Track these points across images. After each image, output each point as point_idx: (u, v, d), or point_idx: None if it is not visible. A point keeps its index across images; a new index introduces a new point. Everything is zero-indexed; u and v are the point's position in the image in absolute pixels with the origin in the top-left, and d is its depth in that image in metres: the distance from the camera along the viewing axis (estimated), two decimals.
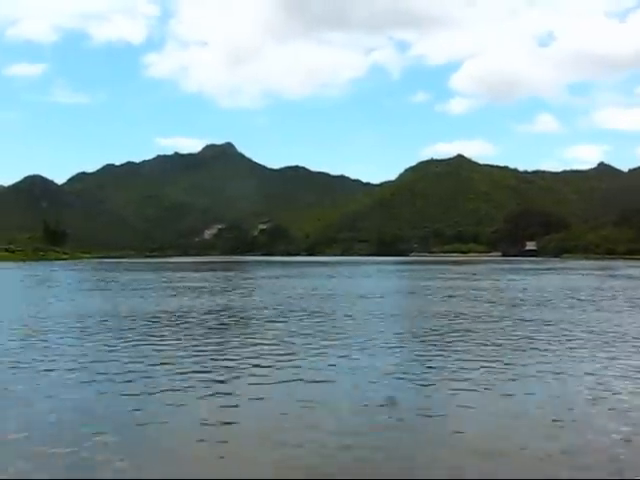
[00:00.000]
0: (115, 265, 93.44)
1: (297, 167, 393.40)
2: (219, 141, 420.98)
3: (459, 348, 14.48)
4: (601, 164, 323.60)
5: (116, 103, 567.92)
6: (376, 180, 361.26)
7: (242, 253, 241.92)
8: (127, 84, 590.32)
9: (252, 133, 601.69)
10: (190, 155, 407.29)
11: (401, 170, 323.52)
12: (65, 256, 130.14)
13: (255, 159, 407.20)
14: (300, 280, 47.27)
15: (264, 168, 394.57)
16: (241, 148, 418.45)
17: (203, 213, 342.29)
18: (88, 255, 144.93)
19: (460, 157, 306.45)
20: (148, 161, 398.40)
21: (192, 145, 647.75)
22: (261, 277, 54.28)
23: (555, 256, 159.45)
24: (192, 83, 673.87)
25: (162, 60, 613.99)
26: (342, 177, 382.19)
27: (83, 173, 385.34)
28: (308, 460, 7.16)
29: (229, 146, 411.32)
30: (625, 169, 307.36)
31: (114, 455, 7.18)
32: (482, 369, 11.94)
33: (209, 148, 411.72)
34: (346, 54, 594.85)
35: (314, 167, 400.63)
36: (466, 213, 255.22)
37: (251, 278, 53.17)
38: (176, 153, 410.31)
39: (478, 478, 6.68)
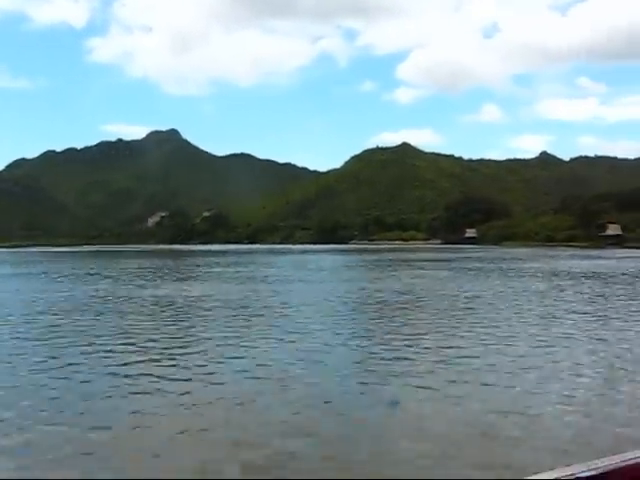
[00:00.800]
0: None
1: (243, 154, 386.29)
2: (164, 128, 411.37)
3: None
4: (543, 153, 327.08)
5: (57, 88, 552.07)
6: (323, 168, 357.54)
7: (182, 242, 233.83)
8: (69, 69, 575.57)
9: (198, 120, 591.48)
10: (134, 142, 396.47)
11: (347, 158, 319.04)
12: None
13: (201, 146, 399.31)
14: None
15: (210, 155, 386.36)
16: (186, 135, 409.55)
17: (148, 200, 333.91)
18: None
19: (405, 145, 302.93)
20: (90, 147, 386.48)
21: (136, 132, 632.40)
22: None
23: (495, 244, 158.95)
24: (137, 69, 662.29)
25: (105, 45, 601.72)
26: (289, 165, 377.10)
27: (22, 159, 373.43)
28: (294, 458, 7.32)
29: (174, 132, 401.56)
30: (566, 158, 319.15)
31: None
32: None
33: (153, 134, 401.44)
34: (293, 42, 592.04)
35: (261, 155, 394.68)
36: (411, 201, 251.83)
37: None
38: (120, 140, 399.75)
39: (473, 478, 6.63)
